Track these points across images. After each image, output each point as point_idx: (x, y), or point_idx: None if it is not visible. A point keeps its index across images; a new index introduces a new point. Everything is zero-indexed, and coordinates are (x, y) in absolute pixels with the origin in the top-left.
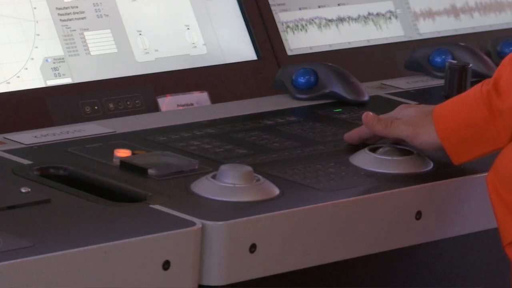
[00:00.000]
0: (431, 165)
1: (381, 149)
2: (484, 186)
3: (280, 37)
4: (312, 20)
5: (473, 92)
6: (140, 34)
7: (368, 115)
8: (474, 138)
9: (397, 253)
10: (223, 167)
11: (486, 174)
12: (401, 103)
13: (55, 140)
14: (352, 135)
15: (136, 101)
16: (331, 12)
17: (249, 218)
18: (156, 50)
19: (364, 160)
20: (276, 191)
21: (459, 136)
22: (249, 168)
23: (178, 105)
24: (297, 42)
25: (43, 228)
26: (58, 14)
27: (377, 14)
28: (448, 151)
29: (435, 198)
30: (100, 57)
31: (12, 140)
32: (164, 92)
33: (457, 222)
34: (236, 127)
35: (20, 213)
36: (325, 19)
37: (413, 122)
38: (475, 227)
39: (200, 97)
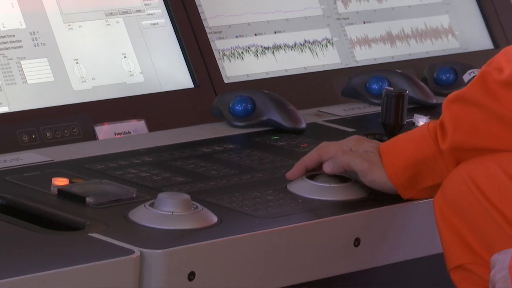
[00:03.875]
0: (368, 192)
1: (318, 177)
2: (422, 212)
3: (217, 64)
4: (249, 47)
5: (421, 130)
6: (77, 63)
7: (327, 145)
8: (422, 173)
9: (336, 280)
10: (161, 195)
11: (428, 199)
12: (339, 130)
13: None
14: (297, 170)
15: (74, 130)
16: (268, 40)
17: (187, 246)
18: (93, 79)
19: (302, 187)
20: (214, 218)
21: (407, 172)
22: (187, 196)
23: (115, 133)
24: (233, 70)
25: None
26: None
27: (314, 42)
28: (397, 187)
29: (373, 225)
30: (37, 85)
31: None
32: (102, 120)
33: (397, 248)
34: (173, 155)
35: None
36: (262, 46)
37: (368, 157)
38: (414, 253)
39: (137, 125)
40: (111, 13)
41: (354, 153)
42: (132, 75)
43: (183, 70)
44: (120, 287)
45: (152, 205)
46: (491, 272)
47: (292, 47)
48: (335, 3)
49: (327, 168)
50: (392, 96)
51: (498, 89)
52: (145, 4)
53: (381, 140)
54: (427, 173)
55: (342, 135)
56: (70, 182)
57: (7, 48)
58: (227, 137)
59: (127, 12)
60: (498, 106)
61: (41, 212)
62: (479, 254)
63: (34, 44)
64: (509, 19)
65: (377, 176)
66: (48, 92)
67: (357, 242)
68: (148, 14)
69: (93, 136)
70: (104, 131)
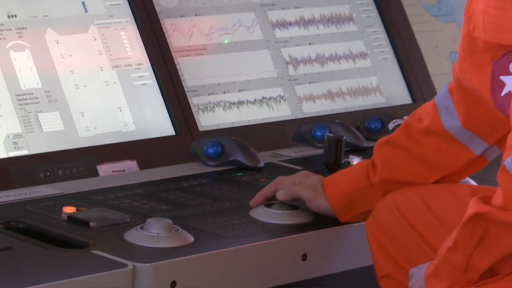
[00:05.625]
0: (313, 217)
1: (274, 205)
2: (356, 232)
3: (193, 116)
4: (219, 103)
5: (355, 167)
6: (82, 115)
7: (282, 179)
8: (356, 201)
9: (288, 287)
10: (149, 220)
11: (361, 222)
12: (290, 168)
13: (16, 199)
14: (257, 200)
15: (80, 168)
16: (233, 97)
17: (170, 260)
18: (95, 128)
19: (261, 213)
20: (191, 238)
21: (344, 200)
22: (170, 221)
23: (113, 171)
24: (207, 121)
25: (7, 269)
26: (17, 99)
27: (270, 98)
28: (336, 212)
29: (317, 243)
30: (51, 133)
31: None
32: (102, 160)
33: (337, 261)
34: (159, 188)
35: None
36: (229, 102)
37: (314, 188)
38: (351, 265)
39: (130, 165)
40: (110, 77)
41: (303, 184)
42: (126, 124)
43: (167, 120)
44: None
45: (142, 228)
46: (409, 283)
47: (252, 102)
48: (287, 67)
49: (280, 196)
50: (332, 141)
51: (419, 136)
52: (135, 69)
53: (324, 176)
54: (361, 201)
55: (293, 171)
56: (77, 209)
57: (27, 104)
58: (202, 174)
59: (123, 73)
60: (419, 149)
61: (54, 234)
62: (402, 265)
63: (48, 100)
64: (425, 80)
65: (321, 203)
66: (59, 138)
67: (304, 257)
68: (139, 76)
69: (96, 173)
70: (104, 169)
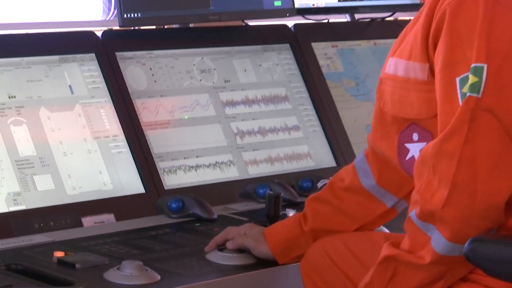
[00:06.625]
0: (257, 259)
1: (225, 249)
2: (292, 272)
3: (160, 177)
4: (180, 166)
5: (291, 219)
6: (69, 177)
7: (231, 229)
8: (292, 247)
9: None
10: (124, 262)
11: (296, 263)
12: (238, 219)
13: (15, 246)
14: (211, 246)
15: (68, 220)
16: (192, 162)
17: None
18: (80, 187)
19: (215, 256)
20: (158, 277)
21: (282, 246)
22: (141, 263)
23: (94, 222)
24: (170, 181)
25: None
26: (17, 164)
27: (222, 162)
28: (275, 256)
29: (260, 280)
30: (44, 192)
31: None
32: (86, 214)
33: None
34: (132, 236)
35: None
36: (188, 166)
37: (256, 238)
38: None
39: (108, 217)
40: (91, 146)
41: (247, 236)
42: (105, 184)
43: (138, 181)
44: None
45: (118, 268)
46: None
47: (208, 166)
48: (235, 138)
49: (229, 245)
50: (272, 197)
51: (341, 192)
52: (112, 139)
53: (265, 226)
54: (295, 246)
55: (241, 222)
56: (65, 254)
57: (24, 168)
58: (166, 224)
59: (102, 143)
60: (341, 203)
61: (46, 274)
62: None
63: (42, 165)
64: (346, 148)
65: (262, 249)
66: (51, 196)
67: None
68: (115, 145)
69: (80, 224)
70: (87, 221)
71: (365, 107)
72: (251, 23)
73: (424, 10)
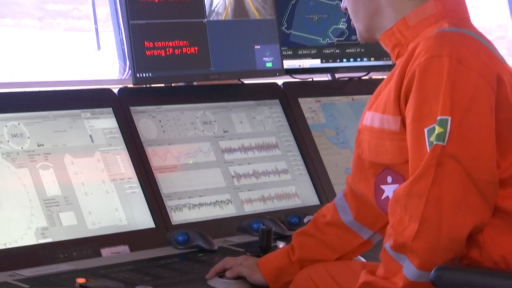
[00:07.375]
0: (253, 285)
1: (224, 277)
2: None
3: (168, 214)
4: (185, 205)
5: (280, 250)
6: (90, 214)
7: (229, 259)
8: (282, 274)
9: None
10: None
11: None
12: (236, 250)
13: (43, 273)
14: (211, 274)
15: (88, 251)
16: (196, 201)
17: None
18: (99, 222)
19: (216, 282)
20: None
21: (273, 274)
22: None
23: (112, 253)
24: (177, 217)
25: None
26: (44, 203)
27: (221, 201)
28: (268, 283)
29: None
30: (68, 226)
31: (19, 274)
32: (104, 246)
33: None
34: (144, 265)
35: None
36: (193, 204)
37: (251, 267)
38: None
39: (124, 248)
40: (109, 187)
41: (243, 265)
42: (121, 220)
43: (149, 217)
44: None
45: None
46: None
47: (209, 204)
48: (232, 180)
49: (228, 274)
50: (265, 231)
51: (324, 227)
52: (127, 181)
53: (259, 256)
54: (285, 274)
55: (238, 253)
56: (87, 280)
57: (51, 206)
58: (174, 255)
59: (118, 185)
60: (324, 236)
61: None
62: None
63: (66, 203)
64: (328, 188)
65: (257, 277)
66: (74, 230)
67: None
68: (129, 186)
69: (100, 254)
70: (105, 251)
71: (344, 153)
72: (246, 81)
73: (396, 70)
